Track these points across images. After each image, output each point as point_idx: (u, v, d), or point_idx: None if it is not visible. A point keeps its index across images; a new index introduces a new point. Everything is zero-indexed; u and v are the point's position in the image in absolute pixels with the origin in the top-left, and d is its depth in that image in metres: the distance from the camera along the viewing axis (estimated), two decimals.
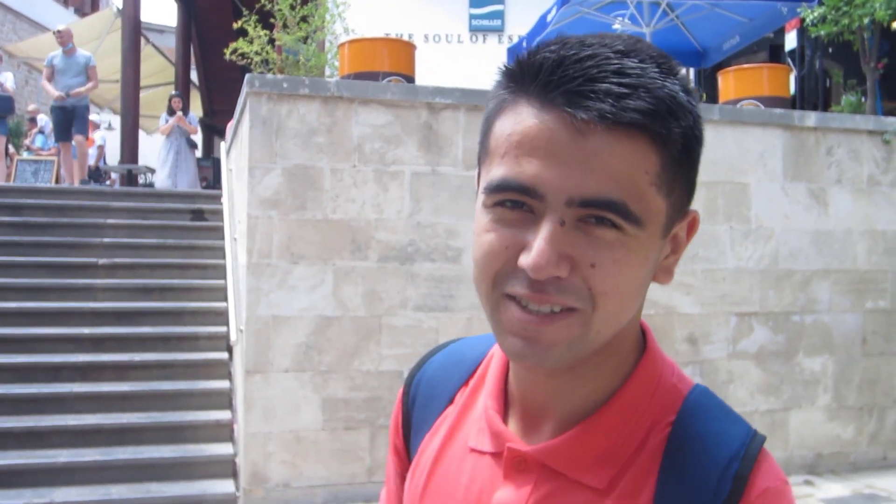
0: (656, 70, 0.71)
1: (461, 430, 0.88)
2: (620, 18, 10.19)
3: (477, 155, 0.82)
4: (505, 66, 0.76)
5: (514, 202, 0.72)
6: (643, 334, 0.84)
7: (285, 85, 5.44)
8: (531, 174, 0.70)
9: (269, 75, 6.01)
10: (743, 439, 0.76)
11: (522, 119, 0.72)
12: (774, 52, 12.18)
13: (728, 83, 7.19)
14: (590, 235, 0.70)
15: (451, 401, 0.92)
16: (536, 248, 0.69)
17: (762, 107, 6.74)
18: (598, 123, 0.68)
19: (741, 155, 6.23)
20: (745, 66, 7.69)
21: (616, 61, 0.69)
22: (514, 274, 0.72)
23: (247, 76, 5.47)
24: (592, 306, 0.71)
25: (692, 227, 0.82)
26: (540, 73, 0.71)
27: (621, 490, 0.75)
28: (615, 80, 0.68)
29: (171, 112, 12.28)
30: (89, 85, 10.50)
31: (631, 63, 0.70)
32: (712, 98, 11.00)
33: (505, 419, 0.84)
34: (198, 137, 14.17)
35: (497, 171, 0.73)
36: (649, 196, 0.71)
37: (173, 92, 13.70)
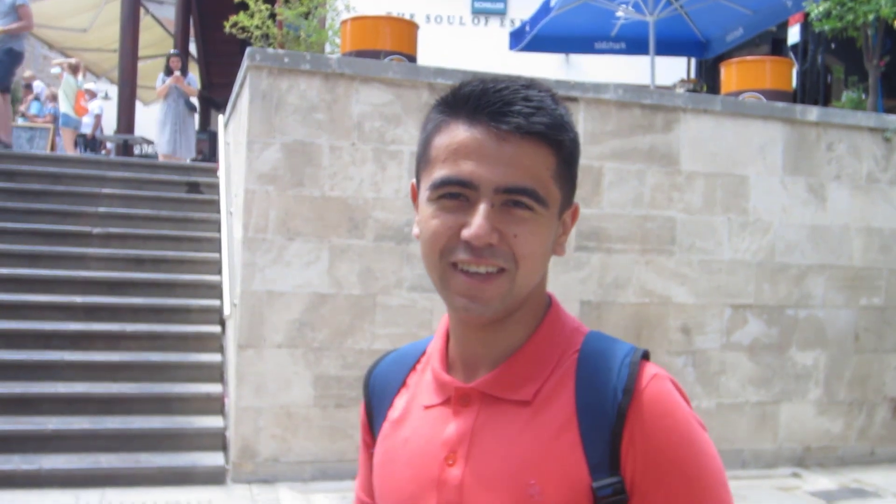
0: (550, 99, 0.99)
1: (416, 400, 1.09)
2: (624, 6, 10.13)
3: (416, 166, 1.07)
4: (441, 98, 1.03)
5: (453, 194, 0.96)
6: (549, 300, 1.09)
7: (286, 60, 5.40)
8: (468, 171, 0.96)
9: (271, 49, 5.96)
10: (631, 347, 1.01)
11: (458, 132, 0.98)
12: (777, 46, 12.13)
13: (731, 75, 7.16)
14: (512, 215, 0.96)
15: (403, 384, 1.14)
16: (476, 223, 0.94)
17: (764, 100, 6.72)
18: (514, 133, 0.95)
19: (741, 147, 6.22)
20: (749, 58, 7.68)
21: (523, 91, 0.97)
22: (456, 246, 0.96)
23: (248, 49, 5.42)
24: (516, 266, 0.96)
25: (575, 215, 1.07)
26: (469, 99, 0.98)
27: (543, 398, 0.99)
28: (524, 104, 0.96)
29: (169, 72, 11.55)
30: (15, 25, 8.86)
31: (533, 93, 0.98)
32: (714, 89, 10.98)
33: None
34: (196, 115, 13.91)
35: (439, 172, 0.98)
36: (550, 186, 0.98)
37: (172, 50, 12.88)
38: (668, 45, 10.94)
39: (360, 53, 6.16)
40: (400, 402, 1.11)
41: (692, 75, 13.43)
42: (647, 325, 6.03)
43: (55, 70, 15.69)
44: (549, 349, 1.02)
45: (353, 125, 5.48)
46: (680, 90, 10.30)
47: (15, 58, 9.13)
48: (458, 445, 1.00)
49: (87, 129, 14.13)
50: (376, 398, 1.16)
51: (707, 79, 12.95)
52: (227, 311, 5.83)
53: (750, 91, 6.96)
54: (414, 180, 1.08)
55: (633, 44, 11.07)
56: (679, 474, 0.94)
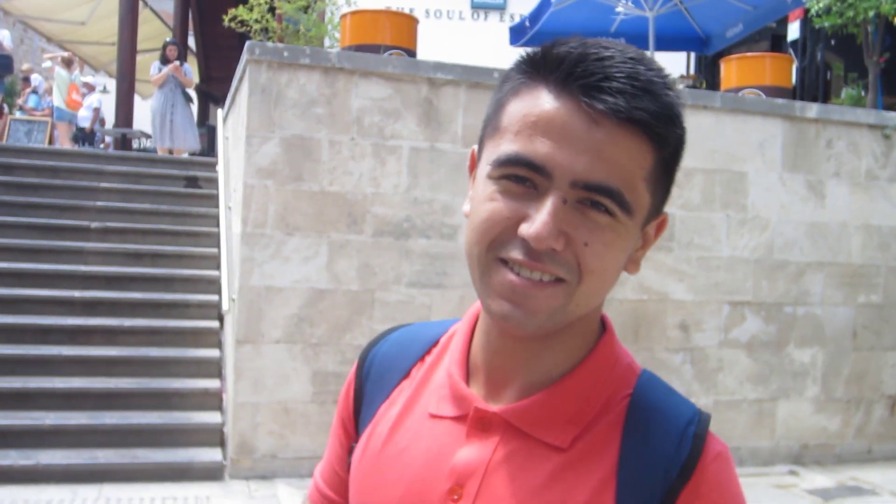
0: (661, 81, 0.79)
1: (419, 401, 0.93)
2: (624, 2, 10.12)
3: (481, 130, 0.88)
4: (527, 53, 0.83)
5: (520, 178, 0.79)
6: (604, 323, 0.92)
7: (286, 54, 5.38)
8: (543, 153, 0.77)
9: (270, 43, 5.94)
10: (694, 410, 0.86)
11: (540, 102, 0.79)
12: (776, 42, 12.12)
13: (730, 71, 7.15)
14: (586, 217, 0.78)
15: (407, 374, 0.97)
16: (540, 220, 0.76)
17: (764, 96, 6.71)
18: (610, 116, 0.76)
19: (741, 143, 6.21)
20: (748, 54, 7.66)
21: (630, 66, 0.78)
22: (511, 241, 0.79)
23: (247, 43, 5.40)
24: (578, 280, 0.79)
25: (661, 228, 0.89)
26: (562, 64, 0.78)
27: (583, 450, 0.83)
28: (628, 81, 0.76)
29: (165, 61, 11.03)
30: None
31: (642, 69, 0.78)
32: (713, 86, 10.97)
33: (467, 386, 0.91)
34: (193, 106, 13.77)
35: (509, 146, 0.80)
36: (640, 190, 0.80)
37: (168, 39, 12.35)
38: (668, 41, 10.92)
39: (360, 48, 6.15)
40: (400, 398, 0.95)
41: (692, 71, 13.41)
42: (644, 321, 6.03)
43: (46, 64, 15.62)
44: (597, 386, 0.86)
45: (353, 120, 5.46)
46: (679, 86, 10.28)
47: None
48: (468, 479, 0.84)
49: (84, 123, 14.10)
50: (371, 383, 1.00)
51: (707, 75, 12.93)
52: (225, 306, 5.82)
53: (750, 87, 6.95)
54: (476, 147, 0.89)
55: (633, 39, 11.00)
56: None
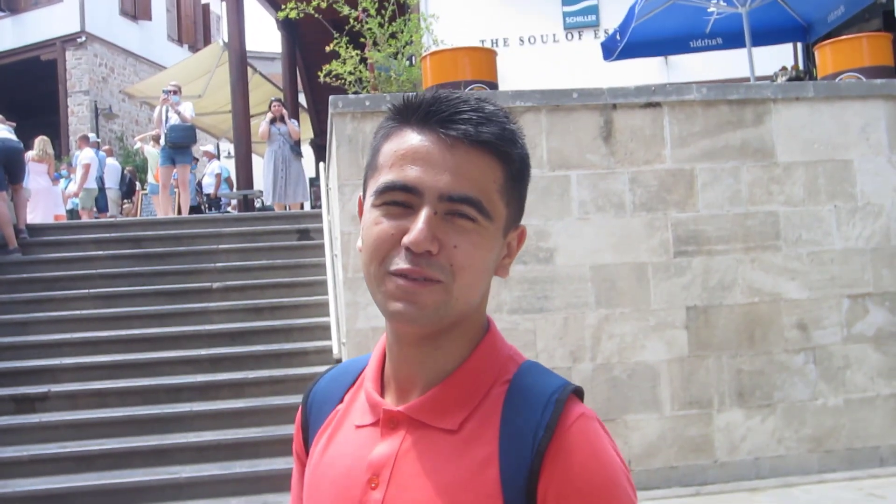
0: (502, 113, 0.98)
1: (348, 419, 1.07)
2: (715, 1, 9.91)
3: (364, 177, 1.04)
4: (392, 105, 1.01)
5: (398, 201, 0.94)
6: (488, 324, 1.06)
7: (367, 103, 5.59)
8: (413, 176, 0.94)
9: (351, 95, 6.16)
10: (562, 383, 0.98)
11: (407, 139, 0.97)
12: (889, 19, 11.53)
13: (825, 57, 6.90)
14: (454, 224, 0.93)
15: (340, 400, 1.11)
16: (416, 229, 0.91)
17: (864, 79, 6.43)
18: (463, 141, 0.94)
19: (841, 131, 5.97)
20: (843, 37, 7.34)
21: (475, 103, 0.96)
22: (397, 254, 0.93)
23: (330, 98, 5.64)
24: (453, 278, 0.93)
25: (521, 239, 1.05)
26: (421, 107, 0.97)
27: (470, 430, 0.96)
28: (475, 113, 0.95)
29: (272, 119, 11.63)
30: None
31: (486, 105, 0.97)
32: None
33: (382, 397, 1.05)
34: (309, 159, 14.26)
35: (385, 177, 0.96)
36: (496, 200, 0.96)
37: (273, 98, 13.02)
38: (768, 34, 10.59)
39: (443, 87, 6.24)
40: (334, 420, 1.09)
41: (799, 60, 12.92)
42: (759, 325, 5.85)
43: (137, 145, 16.60)
44: (480, 377, 1.00)
45: None
46: (781, 79, 9.96)
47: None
48: (382, 469, 0.98)
49: (209, 190, 14.92)
50: (313, 414, 1.14)
51: (815, 62, 12.42)
52: (335, 350, 6.03)
53: (848, 71, 6.68)
54: (361, 193, 1.05)
55: (730, 38, 10.77)
56: None
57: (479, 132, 0.94)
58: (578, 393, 0.98)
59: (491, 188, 0.95)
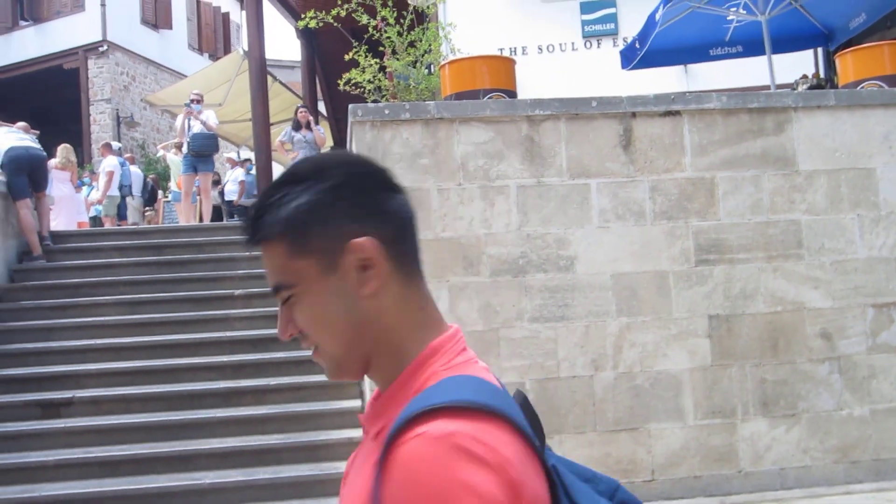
0: (267, 191, 1.08)
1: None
2: (734, 9, 9.89)
3: None
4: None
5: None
6: (425, 347, 1.08)
7: (387, 112, 5.63)
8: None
9: (371, 104, 6.20)
10: (440, 397, 0.94)
11: None
12: None
13: (846, 65, 6.89)
14: (289, 306, 1.07)
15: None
16: (278, 324, 1.09)
17: (885, 87, 6.41)
18: (251, 247, 1.08)
19: (863, 139, 5.95)
20: (864, 45, 7.32)
21: (251, 210, 1.09)
22: None
23: (350, 106, 5.69)
24: (315, 342, 1.07)
25: (354, 250, 1.03)
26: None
27: (379, 439, 1.02)
28: (246, 220, 1.08)
29: (297, 126, 11.48)
30: None
31: (254, 203, 1.09)
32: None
33: None
34: None
35: None
36: (291, 266, 1.05)
37: (299, 104, 12.83)
38: (788, 42, 10.57)
39: (461, 95, 6.33)
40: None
41: (820, 69, 12.86)
42: (782, 334, 5.83)
43: (160, 153, 16.74)
44: (403, 390, 1.05)
45: (458, 166, 5.63)
46: (802, 87, 9.93)
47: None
48: (348, 470, 1.15)
49: (232, 197, 15.00)
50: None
51: (836, 70, 12.36)
52: None
53: (870, 79, 6.67)
54: None
55: (750, 46, 10.75)
56: None
57: (246, 237, 1.08)
58: (459, 408, 0.92)
59: (282, 264, 1.05)
